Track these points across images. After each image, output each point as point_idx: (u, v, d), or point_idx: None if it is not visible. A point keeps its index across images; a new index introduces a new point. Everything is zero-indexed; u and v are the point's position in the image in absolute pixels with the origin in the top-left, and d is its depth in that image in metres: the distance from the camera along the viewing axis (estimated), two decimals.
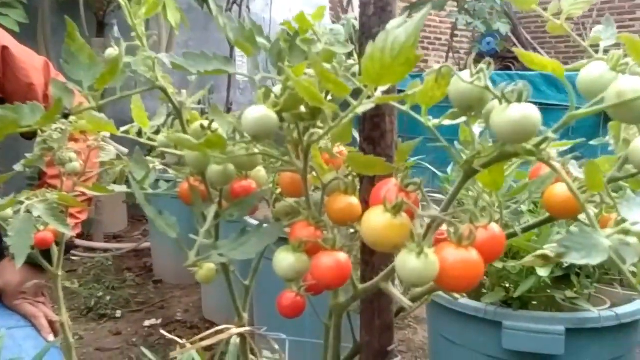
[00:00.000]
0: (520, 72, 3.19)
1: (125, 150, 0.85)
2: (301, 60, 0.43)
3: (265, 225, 0.41)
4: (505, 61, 7.29)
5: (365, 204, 0.41)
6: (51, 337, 1.31)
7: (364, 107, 0.31)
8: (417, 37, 0.28)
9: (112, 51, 0.43)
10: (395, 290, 0.35)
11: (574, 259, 0.27)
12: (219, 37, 4.79)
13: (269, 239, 0.40)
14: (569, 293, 1.30)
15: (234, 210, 0.44)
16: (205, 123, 0.44)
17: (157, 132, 0.53)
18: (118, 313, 3.23)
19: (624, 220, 0.30)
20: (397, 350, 0.48)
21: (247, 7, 4.82)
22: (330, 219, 0.40)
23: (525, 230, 0.43)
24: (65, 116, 0.57)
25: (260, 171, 0.48)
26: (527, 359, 1.28)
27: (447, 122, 0.36)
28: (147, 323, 3.13)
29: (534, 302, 1.33)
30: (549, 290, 1.31)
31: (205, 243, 0.48)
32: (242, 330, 0.55)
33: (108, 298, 3.30)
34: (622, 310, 1.29)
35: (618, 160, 0.40)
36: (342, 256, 0.36)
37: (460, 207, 0.34)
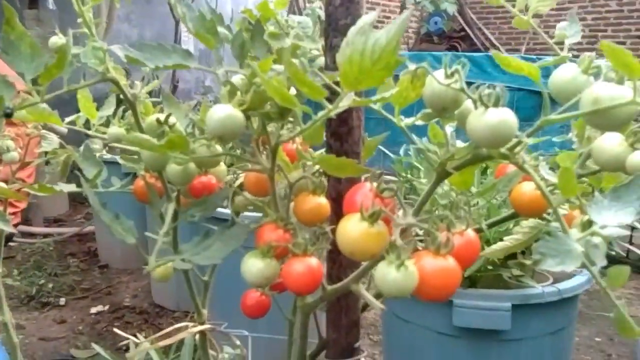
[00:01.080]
0: (466, 53, 3.25)
1: (64, 130, 0.79)
2: (264, 52, 0.40)
3: (229, 228, 0.39)
4: (452, 41, 7.43)
5: (332, 202, 0.39)
6: None
7: (339, 109, 0.29)
8: (399, 41, 0.26)
9: (57, 39, 0.39)
10: (367, 293, 0.34)
11: (550, 265, 0.28)
12: (163, 10, 4.59)
13: (234, 243, 0.38)
14: (515, 271, 1.35)
15: (195, 210, 0.41)
16: (161, 117, 0.41)
17: (106, 124, 0.50)
18: (62, 300, 3.11)
19: (591, 222, 0.30)
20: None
21: None
22: (299, 219, 0.38)
23: (491, 225, 0.43)
24: (8, 115, 0.51)
25: (220, 165, 0.46)
26: (475, 334, 1.33)
27: (419, 122, 0.35)
28: (93, 310, 3.03)
29: (482, 281, 1.38)
30: (495, 269, 1.36)
31: (164, 243, 0.45)
32: (203, 327, 0.53)
33: (50, 285, 3.17)
34: (563, 285, 1.36)
35: (579, 156, 0.40)
36: (314, 262, 0.35)
37: (431, 206, 0.34)
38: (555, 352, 1.44)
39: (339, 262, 0.42)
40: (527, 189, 0.37)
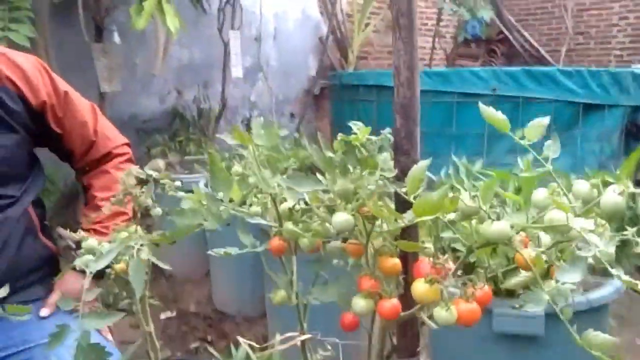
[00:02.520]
0: (504, 69, 3.40)
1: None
2: (355, 164, 0.65)
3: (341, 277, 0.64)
4: (490, 44, 7.49)
5: (402, 261, 0.63)
6: (110, 337, 1.54)
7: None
8: (444, 199, 0.50)
9: (238, 168, 0.64)
10: (425, 317, 0.58)
11: (529, 308, 0.50)
12: (210, 33, 4.92)
13: (344, 287, 0.63)
14: (547, 284, 1.54)
15: (317, 266, 0.66)
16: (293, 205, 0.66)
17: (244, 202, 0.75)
18: (135, 308, 3.43)
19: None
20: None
21: (240, 4, 4.95)
22: (382, 272, 0.62)
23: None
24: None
25: None
26: (513, 339, 1.52)
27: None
28: (162, 316, 3.34)
29: (519, 292, 1.57)
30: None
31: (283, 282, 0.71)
32: (306, 337, 0.77)
33: (124, 293, 3.49)
34: (592, 295, 1.52)
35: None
36: (395, 301, 0.59)
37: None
38: (587, 356, 1.62)
39: (407, 296, 0.65)
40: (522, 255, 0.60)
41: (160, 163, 4.08)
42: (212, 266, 3.33)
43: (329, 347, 0.84)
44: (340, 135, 0.66)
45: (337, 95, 4.48)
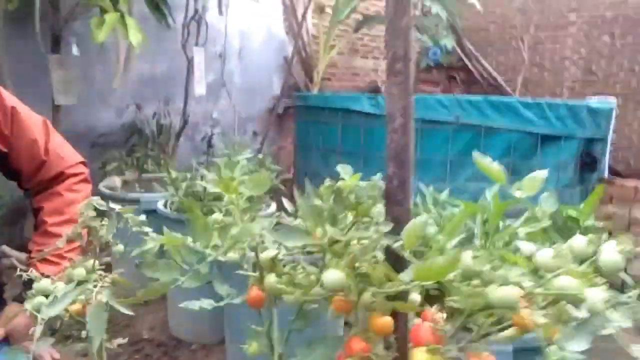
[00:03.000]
0: (467, 97, 3.47)
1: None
2: (342, 211, 0.60)
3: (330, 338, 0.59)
4: (451, 71, 7.70)
5: (394, 318, 0.59)
6: None
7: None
8: (453, 264, 0.46)
9: (218, 216, 0.58)
10: None
11: None
12: (173, 48, 4.83)
13: (333, 349, 0.57)
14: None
15: (300, 323, 0.60)
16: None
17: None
18: (83, 334, 3.25)
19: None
20: None
21: (205, 21, 4.89)
22: (372, 331, 0.57)
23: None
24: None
25: None
26: None
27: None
28: (115, 342, 3.16)
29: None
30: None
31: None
32: None
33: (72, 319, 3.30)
34: None
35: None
36: None
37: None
38: None
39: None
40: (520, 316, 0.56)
41: (117, 180, 3.92)
42: (169, 289, 3.19)
43: None
44: (327, 181, 0.62)
45: (302, 115, 4.46)
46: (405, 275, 0.49)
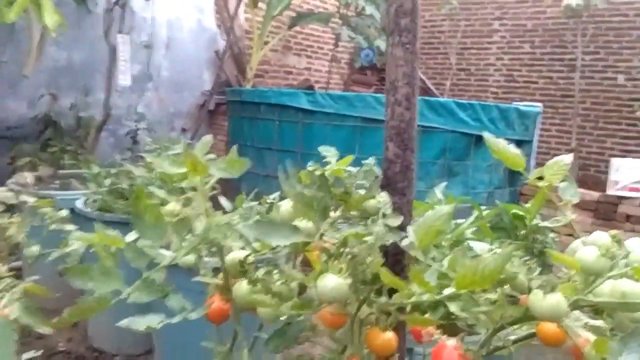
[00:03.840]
0: None
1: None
2: (330, 204, 0.49)
3: None
4: (382, 73, 7.81)
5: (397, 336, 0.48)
6: None
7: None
8: (503, 267, 0.36)
9: (174, 206, 0.44)
10: None
11: None
12: (93, 35, 4.48)
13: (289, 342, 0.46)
14: None
15: (277, 341, 0.48)
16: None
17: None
18: None
19: None
20: None
21: (130, 7, 4.58)
22: (371, 351, 0.46)
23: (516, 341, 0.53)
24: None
25: None
26: None
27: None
28: (25, 356, 2.84)
29: None
30: None
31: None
32: None
33: None
34: None
35: (579, 289, 0.51)
36: None
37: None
38: None
39: None
40: (549, 326, 0.47)
41: (28, 176, 3.54)
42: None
43: None
44: (310, 165, 0.50)
45: (235, 111, 4.27)
46: (428, 278, 0.38)
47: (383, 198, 0.47)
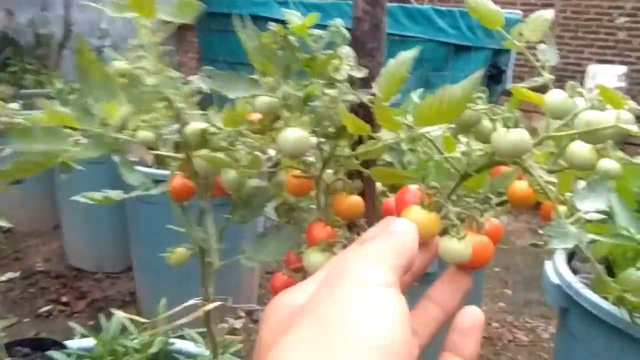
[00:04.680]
0: (389, 5, 3.32)
1: None
2: (294, 63, 0.45)
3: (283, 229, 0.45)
4: None
5: (365, 201, 0.47)
6: None
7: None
8: (471, 95, 0.33)
9: (121, 63, 0.40)
10: None
11: (555, 244, 0.38)
12: None
13: (290, 242, 0.44)
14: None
15: (243, 211, 0.46)
16: (203, 126, 0.44)
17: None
18: None
19: (576, 209, 0.41)
20: None
21: None
22: (339, 216, 0.45)
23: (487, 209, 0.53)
24: None
25: None
26: None
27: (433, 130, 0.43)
28: (3, 278, 2.86)
29: None
30: None
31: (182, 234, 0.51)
32: (215, 304, 0.59)
33: None
34: None
35: (550, 155, 0.50)
36: None
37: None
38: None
39: None
40: (520, 187, 0.47)
41: None
42: (63, 215, 2.89)
43: (242, 315, 0.66)
44: (274, 25, 0.46)
45: (205, 24, 4.06)
46: (396, 122, 0.36)
47: (345, 50, 0.44)
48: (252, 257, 0.45)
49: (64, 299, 2.73)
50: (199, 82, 0.38)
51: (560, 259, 1.36)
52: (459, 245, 0.36)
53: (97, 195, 0.46)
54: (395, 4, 3.31)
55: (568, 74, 6.09)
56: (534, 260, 3.10)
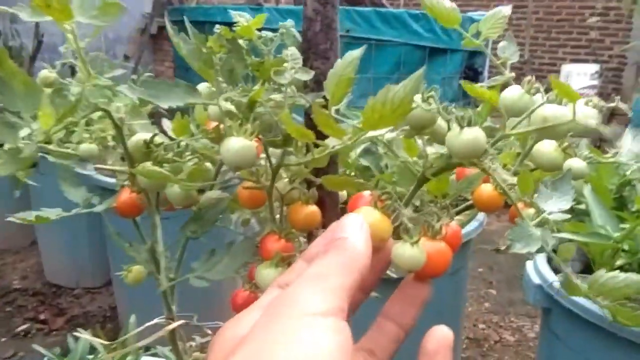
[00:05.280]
0: (356, 9, 3.32)
1: None
2: (241, 67, 0.43)
3: (234, 244, 0.42)
4: None
5: (325, 210, 0.44)
6: None
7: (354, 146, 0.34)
8: (414, 95, 0.31)
9: (47, 73, 0.37)
10: None
11: (518, 249, 0.36)
12: None
13: (243, 257, 0.41)
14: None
15: (194, 226, 0.43)
16: (146, 136, 0.42)
17: (68, 136, 0.48)
18: None
19: (540, 211, 0.39)
20: None
21: None
22: (294, 227, 0.42)
23: (457, 212, 0.51)
24: None
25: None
26: None
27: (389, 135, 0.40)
28: None
29: None
30: None
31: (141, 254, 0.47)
32: (179, 323, 0.55)
33: None
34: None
35: (517, 156, 0.49)
36: None
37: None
38: (455, 287, 1.66)
39: None
40: (486, 189, 0.45)
41: None
42: (40, 231, 2.82)
43: (209, 332, 0.63)
44: (218, 27, 0.43)
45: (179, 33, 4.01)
46: (342, 130, 0.33)
47: (291, 51, 0.42)
48: (202, 276, 0.43)
49: (42, 316, 2.65)
50: (127, 90, 0.35)
51: (541, 258, 1.35)
52: (412, 251, 0.33)
53: (31, 215, 0.43)
54: (369, 8, 3.31)
55: (543, 74, 6.16)
56: (517, 259, 3.10)
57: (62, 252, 2.81)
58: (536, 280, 1.29)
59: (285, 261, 0.40)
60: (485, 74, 3.94)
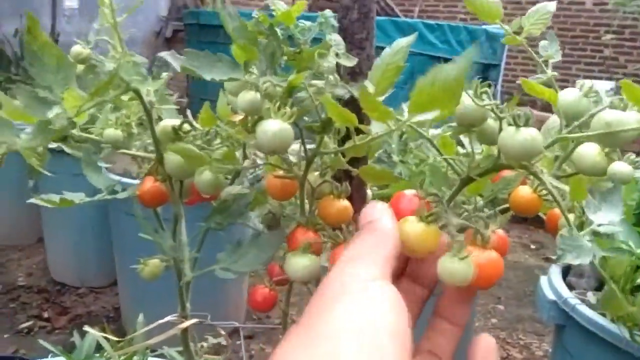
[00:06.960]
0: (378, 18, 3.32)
1: None
2: (279, 54, 0.41)
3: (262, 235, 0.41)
4: None
5: (353, 206, 0.42)
6: None
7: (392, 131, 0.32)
8: (465, 75, 0.30)
9: (80, 49, 0.36)
10: None
11: (569, 259, 0.33)
12: None
13: (270, 250, 0.40)
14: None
15: (220, 217, 0.42)
16: (175, 122, 0.40)
17: (91, 122, 0.47)
18: None
19: (590, 222, 0.37)
20: None
21: None
22: (324, 222, 0.41)
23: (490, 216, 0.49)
24: None
25: None
26: None
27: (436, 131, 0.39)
28: None
29: None
30: None
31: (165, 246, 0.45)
32: (192, 322, 0.53)
33: None
34: None
35: (555, 160, 0.46)
36: None
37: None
38: None
39: None
40: (524, 192, 0.42)
41: None
42: (47, 228, 2.81)
43: (223, 332, 0.61)
44: (256, 12, 0.42)
45: (195, 36, 4.04)
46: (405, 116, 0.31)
47: (335, 37, 0.40)
48: (228, 268, 0.41)
49: (46, 314, 2.64)
50: (168, 58, 0.34)
51: (555, 274, 1.32)
52: (460, 266, 0.31)
53: (55, 197, 0.41)
54: (385, 18, 3.31)
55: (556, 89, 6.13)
56: (526, 275, 3.06)
57: (68, 251, 2.80)
58: (551, 296, 1.26)
59: (315, 250, 0.38)
60: (499, 87, 3.92)
